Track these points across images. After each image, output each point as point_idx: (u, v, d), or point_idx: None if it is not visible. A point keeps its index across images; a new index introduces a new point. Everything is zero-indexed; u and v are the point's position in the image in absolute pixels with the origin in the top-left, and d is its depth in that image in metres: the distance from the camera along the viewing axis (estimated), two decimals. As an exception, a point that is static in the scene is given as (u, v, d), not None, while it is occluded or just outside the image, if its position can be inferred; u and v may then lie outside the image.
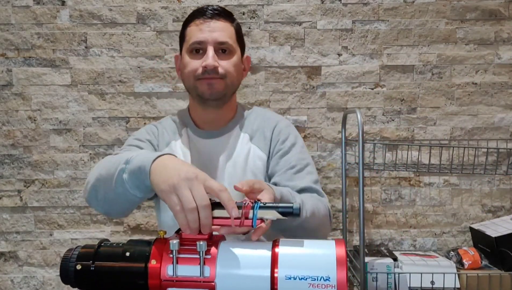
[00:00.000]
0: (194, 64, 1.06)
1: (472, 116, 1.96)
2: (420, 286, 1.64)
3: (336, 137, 1.96)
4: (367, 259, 1.69)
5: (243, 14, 1.93)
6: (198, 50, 1.07)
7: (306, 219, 0.93)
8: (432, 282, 1.66)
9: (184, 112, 1.20)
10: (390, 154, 1.95)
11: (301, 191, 1.05)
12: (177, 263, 0.64)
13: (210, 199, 0.72)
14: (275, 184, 1.07)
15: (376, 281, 1.69)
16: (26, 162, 1.95)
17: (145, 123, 1.94)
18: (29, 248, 1.96)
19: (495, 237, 1.70)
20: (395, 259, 1.73)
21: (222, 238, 0.71)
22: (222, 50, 1.07)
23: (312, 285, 0.61)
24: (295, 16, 1.93)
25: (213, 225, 0.70)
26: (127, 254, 0.66)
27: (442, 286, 1.64)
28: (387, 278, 1.69)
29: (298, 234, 0.95)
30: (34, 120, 1.94)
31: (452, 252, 1.79)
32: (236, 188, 0.78)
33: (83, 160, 1.95)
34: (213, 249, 0.65)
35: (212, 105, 1.10)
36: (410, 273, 1.67)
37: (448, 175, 1.95)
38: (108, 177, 0.87)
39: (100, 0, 1.92)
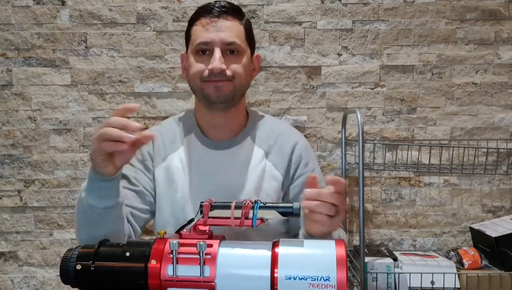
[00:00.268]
0: (200, 66, 0.99)
1: (472, 116, 1.96)
2: (420, 286, 1.64)
3: (336, 137, 1.96)
4: (367, 259, 1.69)
5: (243, 14, 1.93)
6: (204, 51, 0.99)
7: None
8: (432, 282, 1.66)
9: (190, 114, 1.12)
10: (390, 154, 1.95)
11: None
12: (177, 263, 0.64)
13: (210, 199, 0.72)
14: None
15: (376, 281, 1.69)
16: (26, 162, 1.95)
17: (145, 123, 1.94)
18: (29, 248, 1.96)
19: (495, 237, 1.70)
20: (395, 259, 1.73)
21: (222, 238, 0.71)
22: (230, 51, 0.99)
23: (312, 285, 0.61)
24: (295, 16, 1.93)
25: (213, 225, 0.70)
26: (127, 254, 0.66)
27: (442, 286, 1.64)
28: (387, 278, 1.69)
29: None
30: (34, 120, 1.94)
31: (452, 252, 1.79)
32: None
33: (83, 160, 1.95)
34: (213, 249, 0.65)
35: (220, 108, 1.02)
36: (410, 273, 1.67)
37: (448, 175, 1.95)
38: (79, 213, 0.89)
39: (100, 0, 1.92)
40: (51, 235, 1.96)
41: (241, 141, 1.06)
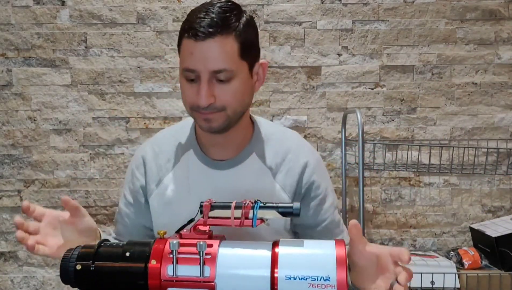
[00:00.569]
0: (189, 93, 0.88)
1: (472, 116, 1.95)
2: (420, 286, 1.64)
3: (336, 137, 1.96)
4: (367, 259, 1.69)
5: (243, 14, 1.93)
6: (191, 77, 0.87)
7: None
8: (432, 282, 1.66)
9: (188, 127, 1.01)
10: (390, 154, 1.95)
11: None
12: (177, 263, 0.64)
13: (210, 199, 0.72)
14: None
15: (376, 281, 1.69)
16: (26, 162, 1.95)
17: (145, 123, 1.94)
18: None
19: (495, 237, 1.70)
20: (395, 259, 1.73)
21: (222, 238, 0.71)
22: (218, 79, 0.86)
23: (312, 285, 0.61)
24: (295, 16, 1.93)
25: (213, 225, 0.70)
26: (127, 254, 0.66)
27: (442, 286, 1.64)
28: (387, 278, 1.69)
29: None
30: (34, 120, 1.94)
31: (452, 252, 1.79)
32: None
33: (83, 160, 1.95)
34: (213, 249, 0.65)
35: (217, 132, 0.92)
36: (410, 273, 1.67)
37: (448, 175, 1.95)
38: None
39: (100, 0, 1.92)
40: (51, 235, 1.96)
41: (245, 159, 0.96)
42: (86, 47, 1.93)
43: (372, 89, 1.96)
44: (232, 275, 0.64)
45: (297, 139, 1.04)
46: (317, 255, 0.63)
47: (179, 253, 0.64)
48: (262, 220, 0.69)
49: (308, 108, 1.95)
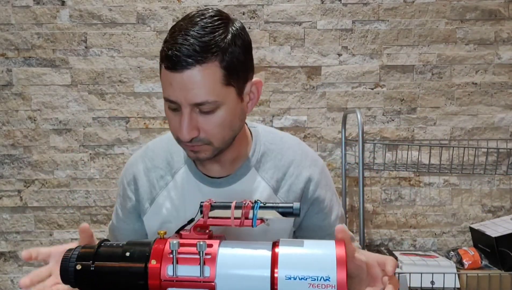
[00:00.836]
0: (173, 123, 0.81)
1: (472, 116, 1.96)
2: (420, 286, 1.64)
3: (336, 137, 1.96)
4: (367, 259, 1.69)
5: (243, 14, 1.93)
6: (174, 107, 0.80)
7: None
8: (432, 282, 1.66)
9: None
10: (390, 154, 1.95)
11: None
12: (177, 263, 0.64)
13: (210, 199, 0.72)
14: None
15: (376, 281, 1.69)
16: (26, 162, 1.95)
17: (145, 123, 1.94)
18: (29, 248, 1.96)
19: (495, 237, 1.70)
20: (395, 259, 1.73)
21: (222, 238, 0.71)
22: (201, 110, 0.78)
23: (312, 285, 0.61)
24: (295, 16, 1.93)
25: (213, 225, 0.70)
26: (127, 254, 0.66)
27: (442, 286, 1.64)
28: (387, 278, 1.69)
29: None
30: (34, 120, 1.94)
31: (452, 252, 1.79)
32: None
33: (83, 160, 1.95)
34: (213, 249, 0.65)
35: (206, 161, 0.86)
36: (410, 273, 1.67)
37: (448, 175, 1.95)
38: None
39: (100, 0, 1.92)
40: (51, 235, 1.96)
41: (243, 176, 0.90)
42: (86, 47, 1.93)
43: (372, 89, 1.96)
44: (232, 275, 0.64)
45: (298, 148, 0.97)
46: (317, 255, 0.63)
47: (179, 253, 0.64)
48: (262, 220, 0.69)
49: (308, 108, 1.95)
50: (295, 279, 0.61)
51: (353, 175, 1.95)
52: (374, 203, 1.98)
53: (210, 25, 0.77)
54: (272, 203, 0.70)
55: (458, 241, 1.97)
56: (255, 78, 0.86)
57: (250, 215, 0.68)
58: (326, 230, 0.95)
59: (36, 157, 1.95)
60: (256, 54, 1.94)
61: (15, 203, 1.96)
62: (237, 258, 0.65)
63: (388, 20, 1.94)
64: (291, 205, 0.68)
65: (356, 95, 1.95)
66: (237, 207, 0.69)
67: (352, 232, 1.97)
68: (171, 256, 0.64)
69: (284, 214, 0.68)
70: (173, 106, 0.79)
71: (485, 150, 1.87)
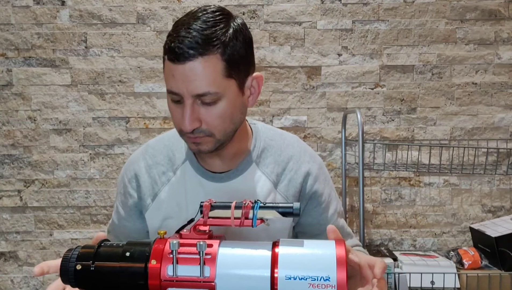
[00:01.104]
0: (176, 115, 0.84)
1: (472, 116, 1.96)
2: (420, 286, 1.64)
3: (336, 137, 1.96)
4: (367, 259, 1.69)
5: (243, 14, 1.93)
6: (176, 99, 0.83)
7: None
8: (432, 282, 1.66)
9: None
10: (390, 154, 1.95)
11: None
12: (177, 263, 0.64)
13: (210, 199, 0.72)
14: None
15: (376, 281, 1.69)
16: (26, 162, 1.95)
17: (145, 123, 1.94)
18: (29, 248, 1.96)
19: (495, 237, 1.70)
20: (395, 259, 1.73)
21: (222, 238, 0.71)
22: (203, 102, 0.80)
23: (312, 285, 0.61)
24: (295, 16, 1.93)
25: (213, 225, 0.70)
26: (127, 254, 0.66)
27: (442, 286, 1.64)
28: (387, 278, 1.69)
29: None
30: (34, 120, 1.94)
31: (452, 252, 1.79)
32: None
33: (83, 160, 1.95)
34: (213, 249, 0.65)
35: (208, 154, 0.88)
36: (410, 273, 1.67)
37: (448, 175, 1.95)
38: None
39: (100, 0, 1.92)
40: (51, 235, 1.96)
41: (244, 170, 0.92)
42: (86, 47, 1.93)
43: (372, 89, 1.96)
44: (232, 275, 0.64)
45: (297, 145, 1.00)
46: (317, 255, 0.63)
47: (179, 253, 0.64)
48: (262, 220, 0.69)
49: (308, 108, 1.95)
50: (295, 279, 0.61)
51: (353, 175, 1.95)
52: (374, 203, 1.98)
53: (212, 19, 0.80)
54: (272, 203, 0.70)
55: (458, 241, 1.97)
56: (256, 73, 0.88)
57: (250, 215, 0.68)
58: (324, 225, 0.94)
59: (36, 157, 1.95)
60: (256, 54, 1.93)
61: (15, 203, 1.96)
62: (237, 258, 0.65)
63: (388, 20, 1.94)
64: (291, 205, 0.68)
65: (356, 95, 1.95)
66: (237, 207, 0.69)
67: (352, 232, 1.97)
68: (171, 256, 0.64)
69: (284, 214, 0.68)
70: (176, 98, 0.82)
71: (485, 150, 1.87)
